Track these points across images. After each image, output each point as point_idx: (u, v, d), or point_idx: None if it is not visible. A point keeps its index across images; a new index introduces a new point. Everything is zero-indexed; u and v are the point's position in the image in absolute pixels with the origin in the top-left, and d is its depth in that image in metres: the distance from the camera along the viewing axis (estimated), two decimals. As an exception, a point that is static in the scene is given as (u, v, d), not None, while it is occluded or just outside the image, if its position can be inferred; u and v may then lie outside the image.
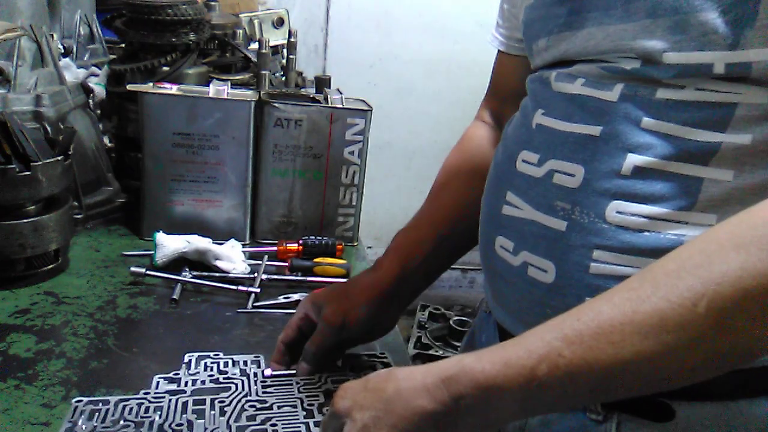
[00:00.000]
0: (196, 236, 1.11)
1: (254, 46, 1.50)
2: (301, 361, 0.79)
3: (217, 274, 1.07)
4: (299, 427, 0.69)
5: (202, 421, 0.69)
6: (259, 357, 0.84)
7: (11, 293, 0.98)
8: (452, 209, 0.85)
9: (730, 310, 0.46)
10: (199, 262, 1.09)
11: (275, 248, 1.17)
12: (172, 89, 1.15)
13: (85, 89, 1.35)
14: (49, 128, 1.11)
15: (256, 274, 1.08)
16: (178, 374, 0.79)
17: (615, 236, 0.60)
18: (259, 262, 1.12)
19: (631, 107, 0.60)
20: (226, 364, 0.82)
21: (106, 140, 1.39)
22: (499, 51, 0.87)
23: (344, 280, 1.10)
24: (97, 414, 0.70)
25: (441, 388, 0.51)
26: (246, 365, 0.81)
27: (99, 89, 1.40)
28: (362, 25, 2.78)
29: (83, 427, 0.68)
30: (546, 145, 0.66)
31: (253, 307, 1.00)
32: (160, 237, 1.09)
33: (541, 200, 0.65)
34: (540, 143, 0.67)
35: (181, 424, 0.69)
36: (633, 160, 0.59)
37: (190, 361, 0.82)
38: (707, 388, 0.57)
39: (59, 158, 1.01)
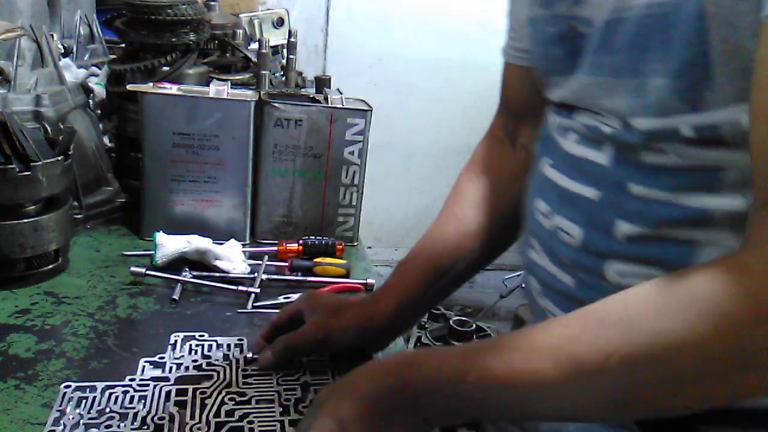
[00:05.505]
0: (196, 236, 1.11)
1: (254, 46, 1.50)
2: (268, 350, 0.79)
3: (217, 274, 1.07)
4: (274, 425, 0.70)
5: (185, 412, 0.71)
6: (242, 340, 0.86)
7: (11, 293, 0.98)
8: (454, 241, 0.84)
9: (639, 370, 0.48)
10: (199, 262, 1.09)
11: (275, 248, 1.17)
12: (172, 89, 1.15)
13: (85, 89, 1.35)
14: (49, 128, 1.10)
15: (256, 274, 1.08)
16: (163, 358, 0.81)
17: None
18: (259, 262, 1.12)
19: (621, 172, 0.60)
20: (210, 347, 0.84)
21: (106, 140, 1.39)
22: (506, 63, 0.84)
23: (344, 280, 1.10)
24: (84, 401, 0.72)
25: (395, 373, 0.56)
26: (229, 349, 0.84)
27: (99, 89, 1.40)
28: (362, 25, 2.78)
29: (70, 417, 0.69)
30: (553, 199, 0.67)
31: (253, 307, 1.00)
32: (160, 237, 1.09)
33: (553, 253, 0.67)
34: (548, 195, 0.68)
35: (163, 418, 0.70)
36: (624, 228, 0.60)
37: (176, 342, 0.85)
38: (736, 414, 0.59)
39: (59, 158, 1.01)
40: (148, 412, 0.71)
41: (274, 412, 0.72)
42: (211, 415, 0.71)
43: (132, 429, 0.68)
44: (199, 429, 0.68)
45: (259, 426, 0.70)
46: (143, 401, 0.73)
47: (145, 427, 0.69)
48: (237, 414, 0.71)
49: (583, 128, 0.64)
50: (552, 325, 0.54)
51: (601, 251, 0.61)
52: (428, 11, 2.77)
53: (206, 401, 0.73)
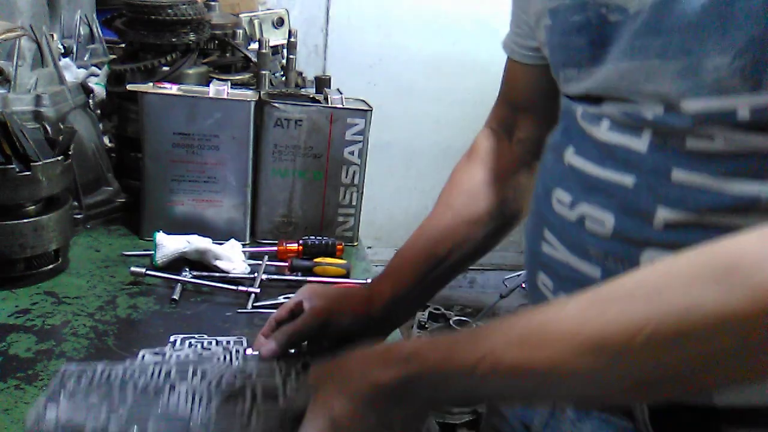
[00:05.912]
0: (196, 236, 1.11)
1: (254, 46, 1.50)
2: (270, 341, 0.78)
3: (217, 274, 1.07)
4: (275, 391, 0.69)
5: (185, 383, 0.70)
6: (242, 338, 0.86)
7: (11, 293, 0.98)
8: (451, 230, 0.84)
9: (669, 346, 0.45)
10: (199, 262, 1.09)
11: (275, 248, 1.17)
12: (172, 89, 1.15)
13: (85, 89, 1.35)
14: (49, 128, 1.10)
15: (256, 274, 1.08)
16: (164, 350, 0.81)
17: None
18: (259, 262, 1.12)
19: (661, 158, 0.57)
20: (210, 344, 0.84)
21: (106, 140, 1.39)
22: (509, 58, 0.83)
23: (344, 280, 1.10)
24: (84, 376, 0.71)
25: (397, 365, 0.54)
26: (229, 344, 0.84)
27: (99, 89, 1.41)
28: (362, 25, 2.78)
29: (69, 388, 0.68)
30: (578, 187, 0.65)
31: (253, 307, 1.00)
32: (160, 237, 1.09)
33: (575, 244, 0.64)
34: (572, 184, 0.65)
35: (164, 387, 0.69)
36: (664, 214, 0.57)
37: (175, 341, 0.86)
38: (762, 415, 0.56)
39: (59, 158, 1.01)
40: (148, 384, 0.70)
41: (275, 378, 0.71)
42: (213, 383, 0.70)
43: (132, 394, 0.67)
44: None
45: (261, 390, 0.68)
46: (143, 375, 0.71)
47: (146, 394, 0.68)
48: (237, 384, 0.70)
49: (617, 114, 0.61)
50: (569, 305, 0.50)
51: (636, 239, 0.58)
52: (428, 11, 2.77)
53: (206, 374, 0.72)
